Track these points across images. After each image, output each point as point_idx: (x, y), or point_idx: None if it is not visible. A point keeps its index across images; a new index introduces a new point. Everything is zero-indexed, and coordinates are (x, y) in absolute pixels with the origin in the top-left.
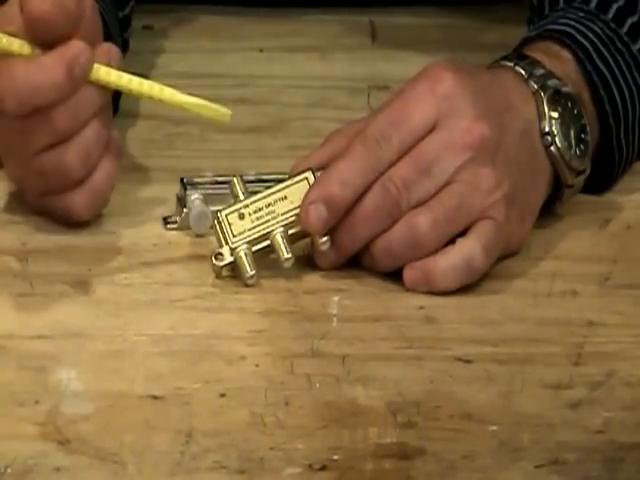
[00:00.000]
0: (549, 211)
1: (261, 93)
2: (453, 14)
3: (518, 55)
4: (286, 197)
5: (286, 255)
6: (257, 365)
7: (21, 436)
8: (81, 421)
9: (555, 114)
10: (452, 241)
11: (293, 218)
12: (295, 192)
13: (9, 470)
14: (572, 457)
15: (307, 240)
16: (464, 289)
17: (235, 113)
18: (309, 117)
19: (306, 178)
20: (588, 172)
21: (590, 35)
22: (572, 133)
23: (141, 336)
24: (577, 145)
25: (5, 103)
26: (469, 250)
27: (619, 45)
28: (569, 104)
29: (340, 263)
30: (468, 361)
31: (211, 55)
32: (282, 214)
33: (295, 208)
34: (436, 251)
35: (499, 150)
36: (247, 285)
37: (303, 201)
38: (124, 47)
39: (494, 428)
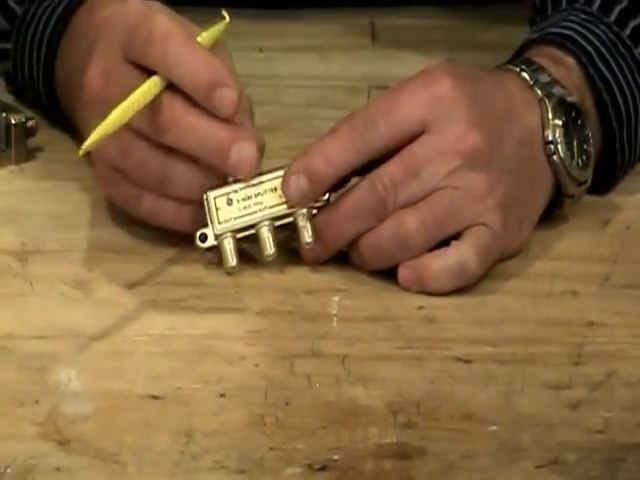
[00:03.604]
0: (549, 212)
1: (261, 93)
2: (453, 14)
3: (524, 60)
4: (276, 189)
5: (269, 251)
6: (257, 365)
7: (21, 436)
8: (81, 421)
9: (559, 122)
10: (447, 243)
11: (280, 212)
12: None
13: (9, 470)
14: (572, 457)
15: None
16: (464, 289)
17: None
18: (309, 117)
19: None
20: (589, 183)
21: (592, 39)
22: (575, 143)
23: (141, 336)
24: (579, 156)
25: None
26: (463, 254)
27: (621, 49)
28: (573, 114)
29: (325, 258)
30: (468, 361)
31: None
32: (270, 207)
33: (283, 203)
34: (431, 252)
35: (494, 158)
36: (228, 274)
37: (286, 171)
38: None
39: (494, 428)
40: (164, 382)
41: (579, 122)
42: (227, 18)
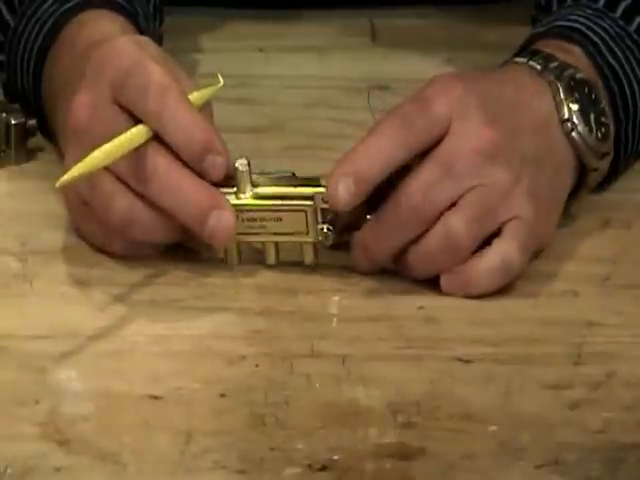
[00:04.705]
0: (576, 192)
1: (260, 93)
2: (453, 14)
3: (531, 51)
4: (281, 219)
5: (271, 261)
6: (257, 365)
7: (21, 436)
8: (81, 421)
9: (573, 100)
10: (485, 243)
11: (285, 240)
12: (290, 220)
13: (9, 470)
14: (572, 457)
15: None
16: None
17: (235, 113)
18: (308, 117)
19: (305, 211)
20: (612, 154)
21: (600, 31)
22: (592, 117)
23: (141, 336)
24: (598, 128)
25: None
26: (506, 250)
27: (628, 42)
28: (586, 90)
29: (376, 270)
30: (468, 361)
31: (211, 55)
32: (274, 234)
33: (288, 234)
34: (472, 255)
35: (513, 151)
36: (231, 270)
37: (331, 174)
38: None
39: (494, 428)
40: (164, 382)
41: (593, 96)
42: (221, 82)
